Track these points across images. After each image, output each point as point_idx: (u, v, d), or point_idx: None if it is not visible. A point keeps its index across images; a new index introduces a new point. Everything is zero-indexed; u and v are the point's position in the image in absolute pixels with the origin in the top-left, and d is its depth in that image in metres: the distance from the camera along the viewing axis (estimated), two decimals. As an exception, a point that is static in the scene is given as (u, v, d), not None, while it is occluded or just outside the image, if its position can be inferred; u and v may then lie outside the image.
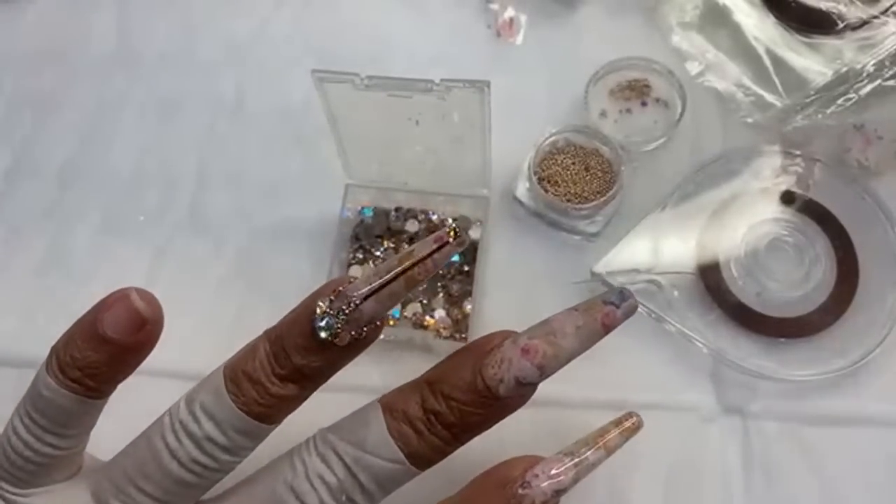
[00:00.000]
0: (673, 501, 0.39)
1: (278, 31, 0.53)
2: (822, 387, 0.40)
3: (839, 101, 0.45)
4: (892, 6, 0.46)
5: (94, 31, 0.53)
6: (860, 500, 0.39)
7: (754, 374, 0.40)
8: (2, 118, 0.51)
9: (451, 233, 0.25)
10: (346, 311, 0.25)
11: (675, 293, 0.42)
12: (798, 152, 0.45)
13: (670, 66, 0.47)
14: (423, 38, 0.51)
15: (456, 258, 0.44)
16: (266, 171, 0.48)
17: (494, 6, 0.51)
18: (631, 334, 0.42)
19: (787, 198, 0.44)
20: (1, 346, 0.43)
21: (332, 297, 0.26)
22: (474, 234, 0.45)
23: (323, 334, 0.25)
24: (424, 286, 0.44)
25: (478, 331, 0.43)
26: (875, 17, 0.45)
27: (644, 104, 0.47)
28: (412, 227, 0.45)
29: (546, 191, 0.43)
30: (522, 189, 0.45)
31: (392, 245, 0.45)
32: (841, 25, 0.46)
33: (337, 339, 0.25)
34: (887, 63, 0.45)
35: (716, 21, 0.49)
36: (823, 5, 0.46)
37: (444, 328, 0.42)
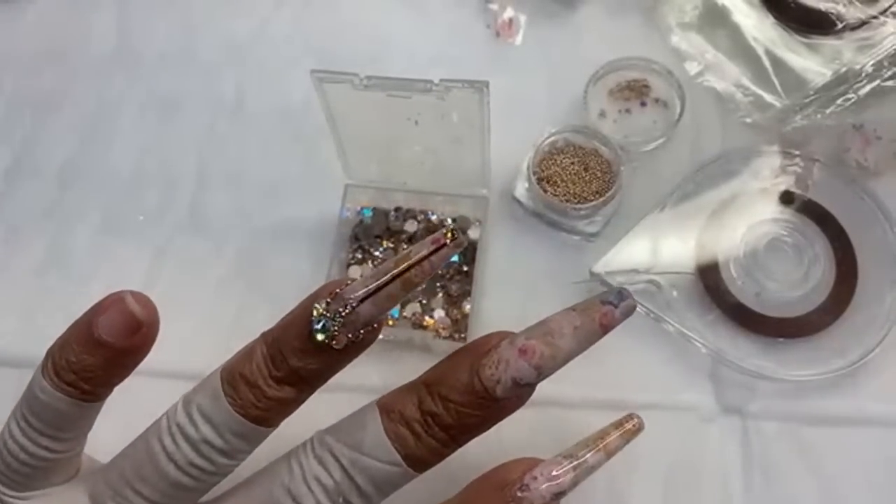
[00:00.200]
0: (672, 501, 0.39)
1: (278, 31, 0.53)
2: (821, 387, 0.40)
3: (838, 102, 0.45)
4: (890, 6, 0.46)
5: (94, 31, 0.53)
6: (859, 500, 0.39)
7: (753, 374, 0.40)
8: (2, 118, 0.51)
9: (449, 234, 0.25)
10: (343, 314, 0.25)
11: (675, 293, 0.42)
12: (797, 152, 0.45)
13: (669, 67, 0.47)
14: (422, 38, 0.51)
15: (455, 258, 0.44)
16: (266, 172, 0.48)
17: (494, 6, 0.51)
18: (630, 334, 0.42)
19: (787, 198, 0.44)
20: (1, 346, 0.43)
21: (328, 300, 0.25)
22: (473, 234, 0.45)
23: (319, 337, 0.25)
24: (423, 286, 0.44)
25: (477, 331, 0.43)
26: (874, 17, 0.45)
27: (643, 104, 0.47)
28: (411, 227, 0.45)
29: (545, 191, 0.43)
30: (522, 189, 0.45)
31: (391, 245, 0.45)
32: (840, 26, 0.46)
33: (334, 342, 0.25)
34: (886, 63, 0.45)
35: (715, 21, 0.49)
36: (822, 6, 0.46)
37: (444, 328, 0.42)
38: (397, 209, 0.46)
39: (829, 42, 0.46)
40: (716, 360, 0.41)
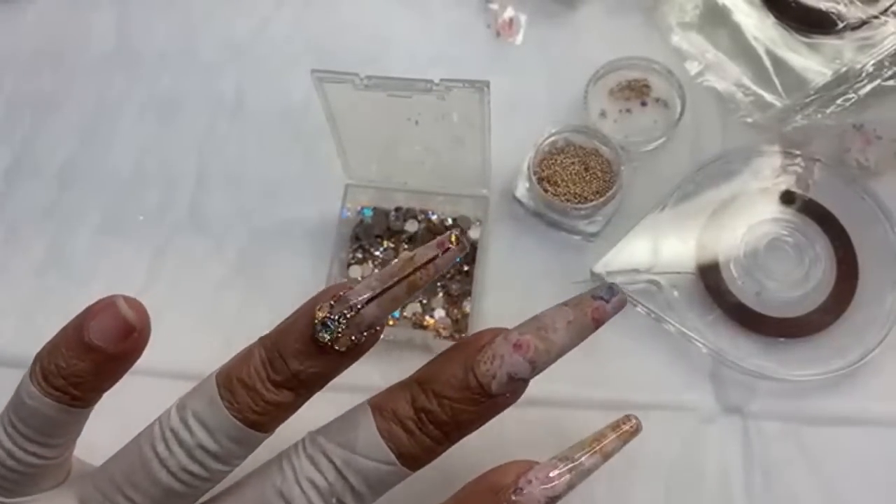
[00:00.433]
0: (673, 501, 0.39)
1: (278, 30, 0.53)
2: (821, 387, 0.40)
3: (839, 101, 0.45)
4: (891, 6, 0.46)
5: (93, 31, 0.53)
6: (859, 500, 0.39)
7: (754, 374, 0.40)
8: (2, 118, 0.51)
9: (453, 238, 0.25)
10: (348, 316, 0.25)
11: (675, 293, 0.42)
12: (798, 152, 0.45)
13: (670, 66, 0.47)
14: (422, 37, 0.51)
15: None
16: (266, 171, 0.48)
17: (494, 6, 0.51)
18: (630, 334, 0.42)
19: (787, 198, 0.44)
20: (1, 346, 0.43)
21: (332, 302, 0.26)
22: (474, 233, 0.45)
23: (324, 337, 0.25)
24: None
25: (477, 330, 0.42)
26: (875, 17, 0.45)
27: (644, 104, 0.47)
28: (412, 227, 0.45)
29: (546, 191, 0.43)
30: (522, 189, 0.45)
31: (392, 245, 0.45)
32: (840, 25, 0.45)
33: (337, 344, 0.25)
34: (887, 63, 0.45)
35: (715, 21, 0.49)
36: (823, 5, 0.46)
37: (444, 328, 0.42)
38: (398, 209, 0.46)
39: (829, 42, 0.46)
40: (716, 359, 0.41)
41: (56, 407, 0.26)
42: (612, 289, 0.27)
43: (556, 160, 0.44)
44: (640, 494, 0.39)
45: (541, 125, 0.45)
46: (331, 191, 0.46)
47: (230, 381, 0.26)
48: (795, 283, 0.42)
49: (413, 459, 0.26)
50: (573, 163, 0.44)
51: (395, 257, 0.45)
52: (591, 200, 0.43)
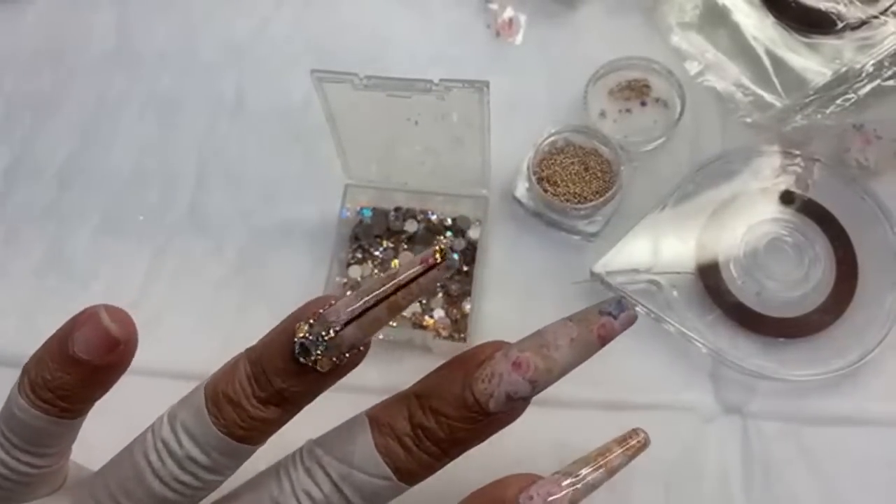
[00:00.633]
0: (673, 501, 0.39)
1: (278, 31, 0.53)
2: (821, 387, 0.40)
3: (838, 101, 0.45)
4: (891, 6, 0.45)
5: (93, 31, 0.53)
6: (859, 500, 0.39)
7: (754, 374, 0.40)
8: (2, 118, 0.51)
9: (439, 254, 0.23)
10: (326, 338, 0.24)
11: (675, 293, 0.42)
12: (797, 152, 0.45)
13: (670, 66, 0.47)
14: (422, 37, 0.51)
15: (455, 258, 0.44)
16: (266, 171, 0.48)
17: (494, 6, 0.51)
18: (630, 334, 0.41)
19: (787, 198, 0.44)
20: (1, 346, 0.43)
21: (311, 321, 0.24)
22: (473, 234, 0.45)
23: (303, 360, 0.24)
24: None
25: (477, 330, 0.43)
26: (874, 16, 0.45)
27: (643, 104, 0.47)
28: (411, 227, 0.45)
29: (545, 191, 0.43)
30: (522, 189, 0.45)
31: (391, 245, 0.45)
32: (840, 25, 0.45)
33: (318, 366, 0.24)
34: (886, 63, 0.45)
35: (715, 21, 0.49)
36: (823, 5, 0.46)
37: (444, 328, 0.42)
38: (397, 209, 0.46)
39: (829, 42, 0.46)
40: (716, 359, 0.41)
41: (46, 419, 0.26)
42: (620, 304, 0.25)
43: (555, 160, 0.44)
44: (639, 494, 0.39)
45: (540, 125, 0.45)
46: (330, 191, 0.46)
47: (216, 395, 0.25)
48: (795, 283, 0.42)
49: (410, 475, 0.25)
50: (573, 163, 0.44)
51: (395, 257, 0.45)
52: (591, 200, 0.43)
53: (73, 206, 0.48)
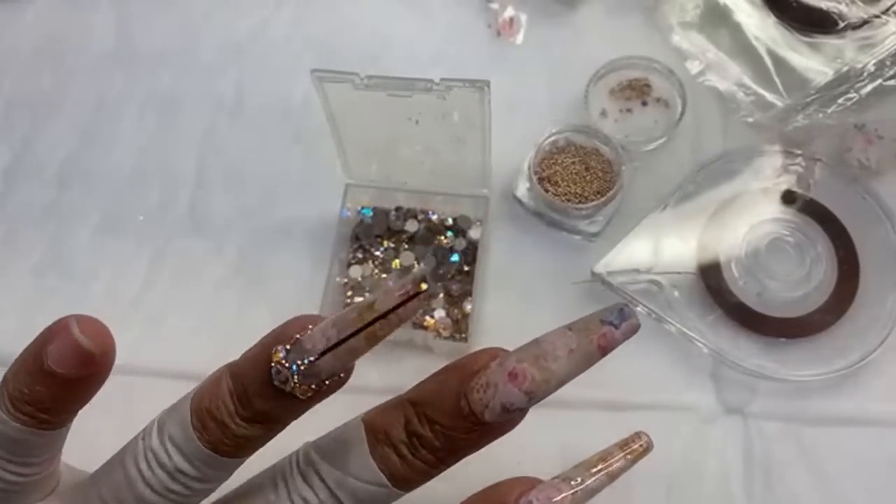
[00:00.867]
0: (673, 502, 0.39)
1: (278, 30, 0.53)
2: (822, 387, 0.40)
3: (840, 101, 0.45)
4: (892, 6, 0.45)
5: (93, 31, 0.53)
6: (860, 501, 0.39)
7: (755, 375, 0.40)
8: (1, 118, 0.51)
9: (419, 284, 0.22)
10: (302, 367, 0.23)
11: (676, 293, 0.42)
12: (799, 152, 0.45)
13: (671, 66, 0.47)
14: (423, 37, 0.51)
15: (455, 258, 0.44)
16: (266, 171, 0.48)
17: (494, 5, 0.51)
18: (631, 334, 0.42)
19: (788, 197, 0.44)
20: (0, 347, 0.43)
21: (288, 347, 0.24)
22: (474, 233, 0.45)
23: (279, 385, 0.24)
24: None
25: (478, 330, 0.43)
26: (876, 16, 0.45)
27: (644, 104, 0.47)
28: (412, 226, 0.45)
29: (546, 190, 0.43)
30: (522, 189, 0.45)
31: (392, 245, 0.45)
32: (842, 25, 0.45)
33: (296, 392, 0.24)
34: (888, 62, 0.44)
35: (716, 20, 0.49)
36: (824, 5, 0.46)
37: (444, 328, 0.42)
38: (398, 209, 0.46)
39: (830, 41, 0.46)
40: (717, 360, 0.41)
41: (27, 431, 0.25)
42: (622, 312, 0.24)
43: (556, 160, 0.44)
44: (640, 494, 0.39)
45: (541, 125, 0.45)
46: (331, 191, 0.46)
47: (201, 412, 0.25)
48: (796, 283, 0.42)
49: (406, 482, 0.25)
50: (574, 162, 0.44)
51: (396, 257, 0.45)
52: (592, 200, 0.43)
53: (72, 206, 0.48)
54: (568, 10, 0.51)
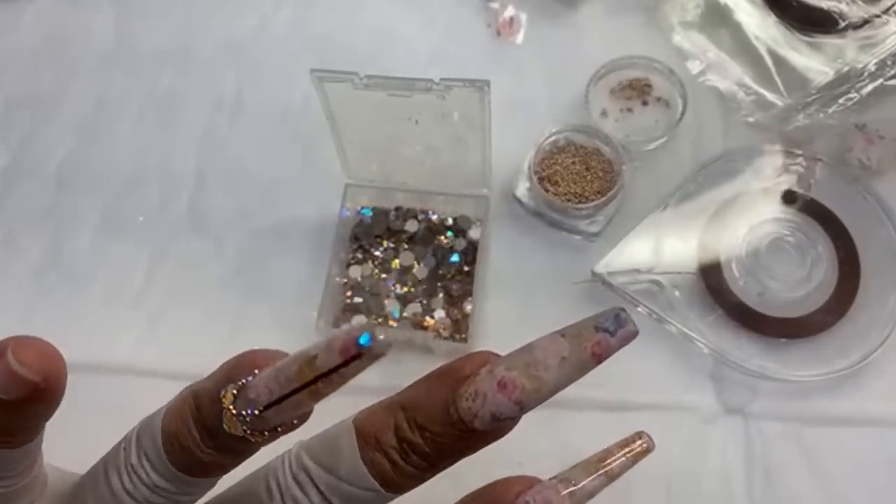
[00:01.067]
0: (674, 502, 0.39)
1: (278, 30, 0.53)
2: (823, 387, 0.40)
3: (840, 101, 0.45)
4: (893, 5, 0.45)
5: (93, 31, 0.53)
6: (861, 501, 0.39)
7: (755, 375, 0.40)
8: (0, 118, 0.51)
9: (367, 337, 0.20)
10: (248, 418, 0.23)
11: (676, 293, 0.42)
12: (799, 152, 0.45)
13: (671, 66, 0.47)
14: (423, 37, 0.51)
15: (455, 258, 0.44)
16: (265, 171, 0.48)
17: (494, 5, 0.51)
18: (632, 334, 0.42)
19: (789, 197, 0.44)
20: (0, 347, 0.43)
21: (234, 392, 0.23)
22: (474, 233, 0.44)
23: (230, 431, 0.23)
24: (424, 286, 0.43)
25: (478, 331, 0.42)
26: (877, 16, 0.45)
27: (645, 103, 0.47)
28: (412, 226, 0.45)
29: (546, 190, 0.43)
30: (523, 189, 0.45)
31: (392, 245, 0.45)
32: (842, 25, 0.45)
33: (250, 437, 0.24)
34: (889, 62, 0.44)
35: (717, 20, 0.48)
36: (825, 4, 0.46)
37: (444, 329, 0.42)
38: (397, 209, 0.45)
39: (831, 41, 0.45)
40: (718, 360, 0.41)
41: None
42: (619, 318, 0.23)
43: (556, 160, 0.44)
44: (640, 495, 0.39)
45: (541, 124, 0.45)
46: (330, 190, 0.46)
47: (170, 434, 0.25)
48: (797, 284, 0.42)
49: (397, 487, 0.25)
50: (574, 162, 0.44)
51: (396, 257, 0.44)
52: (592, 200, 0.42)
53: (72, 206, 0.48)
54: (568, 9, 0.51)
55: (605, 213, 0.43)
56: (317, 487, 0.25)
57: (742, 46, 0.47)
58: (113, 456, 0.26)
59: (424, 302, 0.43)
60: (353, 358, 0.21)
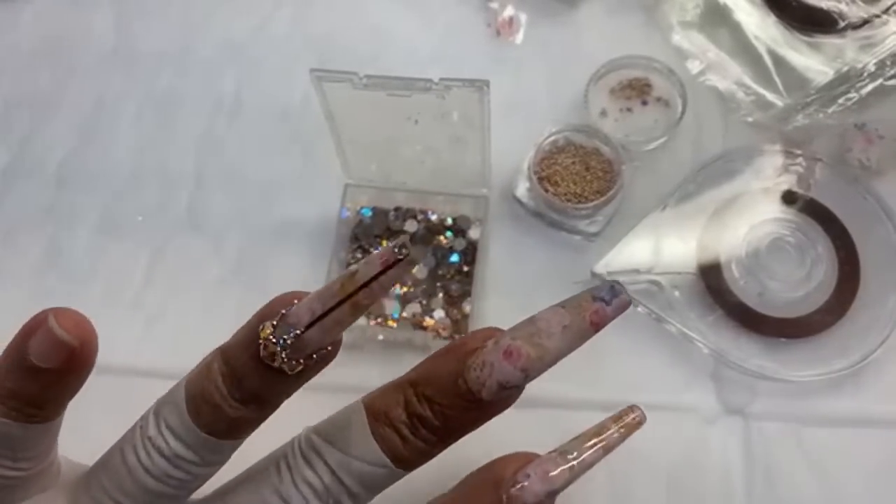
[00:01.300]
0: (673, 502, 0.39)
1: (278, 30, 0.52)
2: (823, 387, 0.40)
3: (840, 101, 0.45)
4: (893, 5, 0.45)
5: (92, 31, 0.53)
6: (861, 501, 0.39)
7: (755, 375, 0.40)
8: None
9: (399, 249, 0.22)
10: (289, 342, 0.24)
11: (676, 293, 0.42)
12: (799, 152, 0.45)
13: (671, 65, 0.47)
14: (422, 36, 0.51)
15: (455, 258, 0.44)
16: (265, 171, 0.48)
17: (494, 5, 0.51)
18: (631, 335, 0.42)
19: (789, 197, 0.44)
20: (0, 347, 0.43)
21: (274, 322, 0.24)
22: (474, 233, 0.44)
23: (268, 362, 0.24)
24: (423, 286, 0.43)
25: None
26: (876, 15, 0.45)
27: (645, 103, 0.47)
28: (411, 227, 0.45)
29: (546, 190, 0.43)
30: (522, 189, 0.45)
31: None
32: (842, 24, 0.45)
33: (285, 368, 0.24)
34: (888, 62, 0.44)
35: (716, 20, 0.48)
36: (825, 4, 0.46)
37: (444, 329, 0.42)
38: (397, 209, 0.45)
39: (831, 41, 0.45)
40: (718, 360, 0.41)
41: (17, 426, 0.25)
42: (613, 289, 0.25)
43: (556, 159, 0.44)
44: (641, 495, 0.39)
45: (541, 124, 0.45)
46: (330, 191, 0.46)
47: (195, 396, 0.25)
48: (797, 284, 0.42)
49: (407, 462, 0.26)
50: (574, 162, 0.44)
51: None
52: (592, 200, 0.42)
53: (71, 206, 0.48)
54: (568, 9, 0.51)
55: (604, 214, 0.43)
56: (328, 465, 0.25)
57: (742, 46, 0.47)
58: (129, 436, 0.27)
59: (424, 302, 0.43)
60: (390, 266, 0.22)
